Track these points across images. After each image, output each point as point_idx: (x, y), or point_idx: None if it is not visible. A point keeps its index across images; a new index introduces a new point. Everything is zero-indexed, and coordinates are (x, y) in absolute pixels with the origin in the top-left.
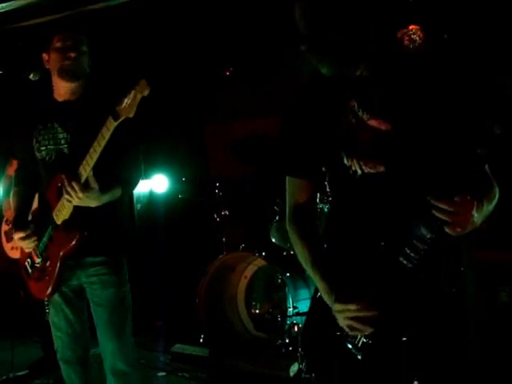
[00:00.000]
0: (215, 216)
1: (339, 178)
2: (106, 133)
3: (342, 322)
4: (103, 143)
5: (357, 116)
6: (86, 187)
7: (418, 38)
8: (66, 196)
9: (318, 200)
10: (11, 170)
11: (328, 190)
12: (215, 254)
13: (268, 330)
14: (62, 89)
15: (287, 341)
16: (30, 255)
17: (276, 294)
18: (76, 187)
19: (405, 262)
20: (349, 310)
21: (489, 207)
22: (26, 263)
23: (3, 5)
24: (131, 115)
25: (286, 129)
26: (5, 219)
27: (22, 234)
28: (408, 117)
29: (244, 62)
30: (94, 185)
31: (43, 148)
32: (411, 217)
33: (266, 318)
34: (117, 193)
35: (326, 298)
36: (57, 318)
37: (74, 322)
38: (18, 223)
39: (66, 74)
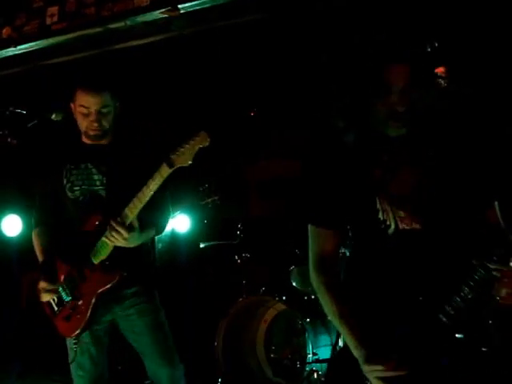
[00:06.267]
0: (236, 258)
1: (369, 230)
2: (159, 179)
3: (372, 381)
4: (154, 188)
5: (390, 169)
6: (129, 229)
7: (442, 82)
8: (111, 238)
9: None
10: None
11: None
12: (235, 297)
13: (286, 376)
14: (90, 137)
15: None
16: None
17: (296, 340)
18: (122, 229)
19: (444, 319)
20: (377, 371)
21: None
22: (52, 301)
23: (27, 45)
24: (186, 164)
25: (314, 175)
26: None
27: (47, 286)
28: (444, 170)
29: (270, 104)
30: (137, 226)
31: (77, 188)
32: (452, 275)
33: (284, 363)
34: (151, 233)
35: (355, 353)
36: (82, 357)
37: (98, 361)
38: (47, 269)
39: (88, 137)
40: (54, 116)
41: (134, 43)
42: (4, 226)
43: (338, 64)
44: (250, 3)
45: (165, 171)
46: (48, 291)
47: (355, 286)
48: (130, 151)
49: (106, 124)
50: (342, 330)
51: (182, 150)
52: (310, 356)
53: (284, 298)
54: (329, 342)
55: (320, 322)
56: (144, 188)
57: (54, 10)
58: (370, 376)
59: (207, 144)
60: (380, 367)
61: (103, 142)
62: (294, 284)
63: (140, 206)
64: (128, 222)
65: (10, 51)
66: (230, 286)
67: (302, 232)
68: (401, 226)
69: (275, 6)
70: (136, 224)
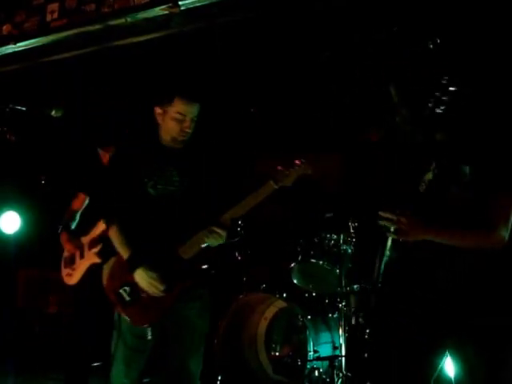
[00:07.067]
0: (236, 255)
1: None
2: (264, 193)
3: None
4: (258, 200)
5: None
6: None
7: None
8: (211, 238)
9: (341, 241)
10: (77, 203)
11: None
12: (235, 294)
13: (287, 374)
14: (176, 141)
15: None
16: (127, 283)
17: (296, 337)
18: (223, 232)
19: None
20: None
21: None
22: (122, 291)
23: (27, 42)
24: (287, 185)
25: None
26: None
27: (152, 276)
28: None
29: (270, 101)
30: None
31: (160, 187)
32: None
33: (285, 361)
34: None
35: None
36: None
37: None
38: (140, 261)
39: (175, 142)
40: (53, 112)
41: (135, 40)
42: (2, 223)
43: (338, 63)
44: (249, 0)
45: (271, 188)
46: (155, 280)
47: None
48: (202, 157)
49: (191, 131)
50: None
51: (288, 172)
52: (311, 354)
53: (285, 295)
54: (329, 340)
55: (321, 319)
56: (250, 198)
57: (54, 6)
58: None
59: (309, 173)
60: None
61: (180, 146)
62: (294, 281)
63: (241, 213)
64: (227, 225)
65: (10, 48)
66: (231, 283)
67: (302, 229)
68: None
69: (274, 4)
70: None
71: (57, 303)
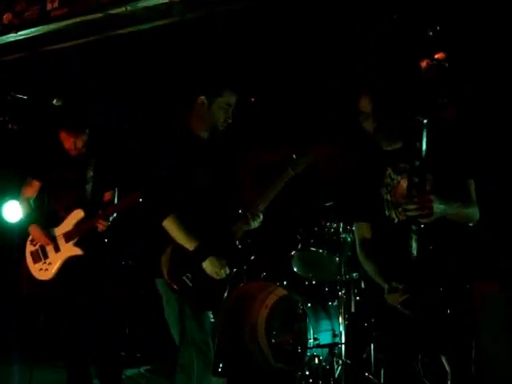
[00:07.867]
0: (237, 243)
1: (380, 222)
2: (285, 179)
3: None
4: (281, 186)
5: (392, 179)
6: None
7: (446, 65)
8: (255, 222)
9: (341, 230)
10: (30, 191)
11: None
12: (235, 282)
13: (288, 362)
14: (217, 131)
15: (307, 373)
16: (189, 270)
17: (297, 325)
18: (261, 216)
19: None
20: (393, 298)
21: (457, 210)
22: (185, 278)
23: (28, 31)
24: (299, 172)
25: (349, 187)
26: (30, 239)
27: (222, 262)
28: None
29: (270, 91)
30: None
31: (204, 176)
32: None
33: (285, 348)
34: None
35: (384, 287)
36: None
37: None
38: (209, 250)
39: (215, 131)
40: (55, 101)
41: (135, 29)
42: (5, 212)
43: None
44: None
45: (290, 175)
46: (224, 269)
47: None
48: (224, 147)
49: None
50: (378, 279)
51: (301, 161)
52: (311, 341)
53: (285, 283)
54: (329, 327)
55: (321, 307)
56: (273, 186)
57: None
58: (391, 302)
59: (313, 161)
60: (394, 296)
61: (208, 136)
62: (294, 269)
63: (269, 200)
64: (261, 209)
65: (11, 37)
66: (231, 271)
67: (302, 218)
68: (401, 218)
69: None
70: None
71: None
